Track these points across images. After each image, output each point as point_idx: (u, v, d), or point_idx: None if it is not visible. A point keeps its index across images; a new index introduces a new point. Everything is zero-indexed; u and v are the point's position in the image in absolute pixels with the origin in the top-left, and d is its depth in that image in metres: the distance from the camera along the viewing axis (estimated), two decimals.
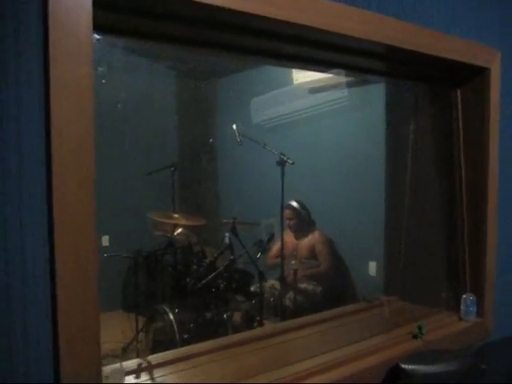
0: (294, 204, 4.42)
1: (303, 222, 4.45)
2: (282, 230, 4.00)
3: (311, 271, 4.28)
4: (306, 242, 4.43)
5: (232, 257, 3.76)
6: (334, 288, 4.37)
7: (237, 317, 3.70)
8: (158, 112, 5.00)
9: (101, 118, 1.35)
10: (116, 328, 3.90)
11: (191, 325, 3.41)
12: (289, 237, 4.40)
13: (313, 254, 4.38)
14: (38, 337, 1.18)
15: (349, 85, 4.19)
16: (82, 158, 1.20)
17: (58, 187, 1.16)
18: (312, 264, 4.28)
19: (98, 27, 1.23)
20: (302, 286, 4.20)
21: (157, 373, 1.76)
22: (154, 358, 1.83)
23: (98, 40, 1.35)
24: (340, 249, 4.55)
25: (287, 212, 4.39)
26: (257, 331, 2.98)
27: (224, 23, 1.59)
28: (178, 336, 3.31)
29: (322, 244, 4.38)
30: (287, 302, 4.00)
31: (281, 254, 3.98)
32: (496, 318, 2.49)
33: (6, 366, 1.14)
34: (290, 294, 4.04)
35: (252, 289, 3.87)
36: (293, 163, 3.74)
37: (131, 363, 1.78)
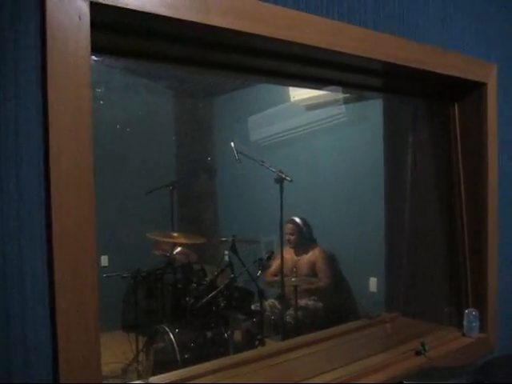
0: (297, 219, 4.42)
1: (304, 239, 4.44)
2: (282, 247, 3.99)
3: (310, 287, 4.26)
4: (306, 258, 4.41)
5: (232, 275, 3.74)
6: (335, 305, 4.35)
7: (238, 336, 3.67)
8: (156, 131, 5.02)
9: (99, 138, 1.35)
10: (116, 348, 3.88)
11: (192, 344, 3.39)
12: (289, 253, 4.39)
13: (313, 270, 4.37)
14: (38, 359, 1.17)
15: (346, 101, 4.22)
16: (82, 180, 1.19)
17: (57, 209, 1.16)
18: (311, 281, 4.26)
19: (95, 48, 1.23)
20: (303, 302, 4.17)
21: None
22: (155, 380, 1.81)
23: (95, 61, 1.36)
24: (340, 265, 4.54)
25: (289, 226, 4.40)
26: (259, 350, 2.96)
27: (221, 42, 1.59)
28: (178, 356, 3.29)
29: (323, 261, 4.37)
30: (288, 320, 3.98)
31: (280, 271, 3.96)
32: (499, 333, 2.47)
33: None
34: (291, 312, 4.02)
35: (253, 307, 3.85)
36: (291, 180, 3.74)
37: None
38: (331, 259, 4.44)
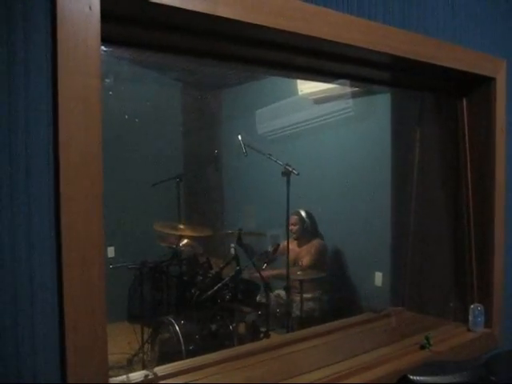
0: (301, 212, 4.43)
1: (306, 231, 4.45)
2: (288, 240, 3.99)
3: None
4: (306, 249, 4.43)
5: (238, 267, 3.75)
6: (341, 299, 4.35)
7: (243, 328, 3.68)
8: (163, 123, 5.01)
9: (107, 129, 1.35)
10: (122, 339, 3.89)
11: (197, 336, 3.40)
12: (292, 245, 4.42)
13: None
14: (46, 348, 1.18)
15: (354, 95, 4.19)
16: (90, 170, 1.20)
17: (65, 199, 1.17)
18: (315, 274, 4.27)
19: (105, 39, 1.24)
20: (308, 296, 4.18)
21: None
22: (160, 370, 1.82)
23: (105, 52, 1.36)
24: (346, 259, 4.54)
25: (292, 218, 4.40)
26: (264, 342, 2.97)
27: (230, 34, 1.59)
28: (183, 347, 3.30)
29: (316, 251, 4.38)
30: (293, 313, 3.98)
31: (286, 263, 3.97)
32: (504, 328, 2.47)
33: (14, 377, 1.14)
34: (296, 305, 4.03)
35: (258, 299, 3.85)
36: (298, 174, 3.73)
37: (137, 375, 1.77)
38: (324, 253, 4.45)
